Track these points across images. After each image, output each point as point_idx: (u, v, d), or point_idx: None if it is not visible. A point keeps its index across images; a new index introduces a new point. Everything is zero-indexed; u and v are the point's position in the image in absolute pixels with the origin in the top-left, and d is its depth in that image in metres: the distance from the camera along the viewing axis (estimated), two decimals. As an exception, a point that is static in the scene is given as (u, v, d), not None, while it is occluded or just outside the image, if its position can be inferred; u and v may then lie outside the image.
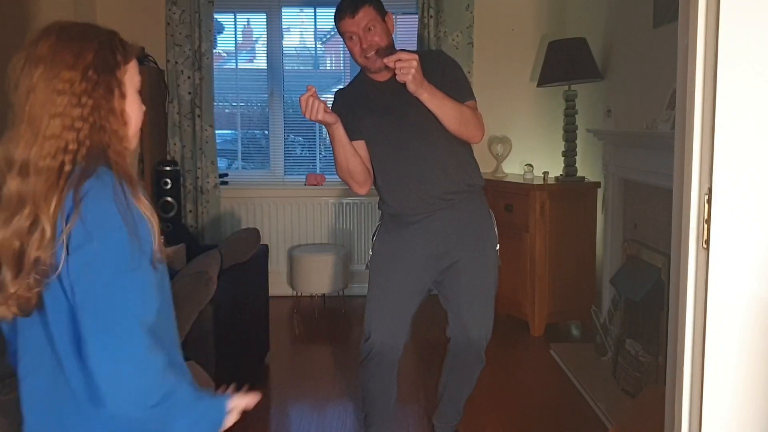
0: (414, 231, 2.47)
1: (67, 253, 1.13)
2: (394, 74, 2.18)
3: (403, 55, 2.12)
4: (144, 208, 1.19)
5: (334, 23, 2.37)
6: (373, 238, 2.61)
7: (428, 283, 2.54)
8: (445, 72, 2.38)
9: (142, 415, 1.14)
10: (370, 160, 2.49)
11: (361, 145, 2.45)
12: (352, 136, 2.40)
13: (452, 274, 2.50)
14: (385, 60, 2.15)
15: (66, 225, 1.13)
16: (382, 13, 2.33)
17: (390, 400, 2.63)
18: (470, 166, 2.51)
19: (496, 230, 2.57)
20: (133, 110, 1.28)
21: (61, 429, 1.24)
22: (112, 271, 1.12)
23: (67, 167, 1.17)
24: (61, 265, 1.13)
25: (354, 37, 2.31)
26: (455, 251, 2.47)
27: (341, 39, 2.39)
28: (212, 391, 1.27)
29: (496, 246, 2.56)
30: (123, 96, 1.25)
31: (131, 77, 1.27)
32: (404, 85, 2.18)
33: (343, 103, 2.47)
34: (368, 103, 2.44)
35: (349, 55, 2.57)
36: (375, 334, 2.50)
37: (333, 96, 2.55)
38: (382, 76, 2.40)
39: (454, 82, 2.39)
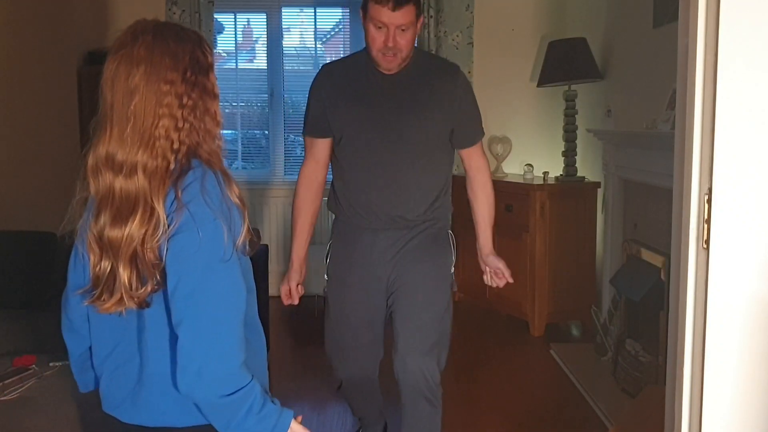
0: (363, 249, 2.28)
1: (167, 241, 1.17)
2: (400, 69, 2.13)
3: (506, 272, 2.29)
4: (236, 199, 1.25)
5: (362, 2, 2.14)
6: (326, 259, 2.42)
7: (383, 301, 2.32)
8: (463, 102, 2.25)
9: (215, 402, 1.17)
10: (336, 153, 2.31)
11: (326, 144, 2.30)
12: (321, 133, 2.26)
13: (397, 295, 2.27)
14: (490, 266, 2.33)
15: (168, 218, 1.18)
16: (419, 14, 2.13)
17: (377, 405, 2.58)
18: (441, 201, 2.31)
19: (453, 256, 2.35)
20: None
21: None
22: (206, 260, 1.17)
23: (172, 165, 1.21)
24: (164, 256, 1.18)
25: (383, 28, 2.08)
26: (403, 274, 2.26)
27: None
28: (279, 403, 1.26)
29: (450, 270, 2.33)
30: (216, 97, 1.28)
31: (215, 79, 1.31)
32: (409, 84, 2.13)
33: (327, 86, 2.26)
34: (360, 92, 2.22)
35: (349, 54, 2.48)
36: (342, 370, 2.39)
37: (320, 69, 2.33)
38: (389, 70, 2.19)
39: (470, 120, 2.28)
